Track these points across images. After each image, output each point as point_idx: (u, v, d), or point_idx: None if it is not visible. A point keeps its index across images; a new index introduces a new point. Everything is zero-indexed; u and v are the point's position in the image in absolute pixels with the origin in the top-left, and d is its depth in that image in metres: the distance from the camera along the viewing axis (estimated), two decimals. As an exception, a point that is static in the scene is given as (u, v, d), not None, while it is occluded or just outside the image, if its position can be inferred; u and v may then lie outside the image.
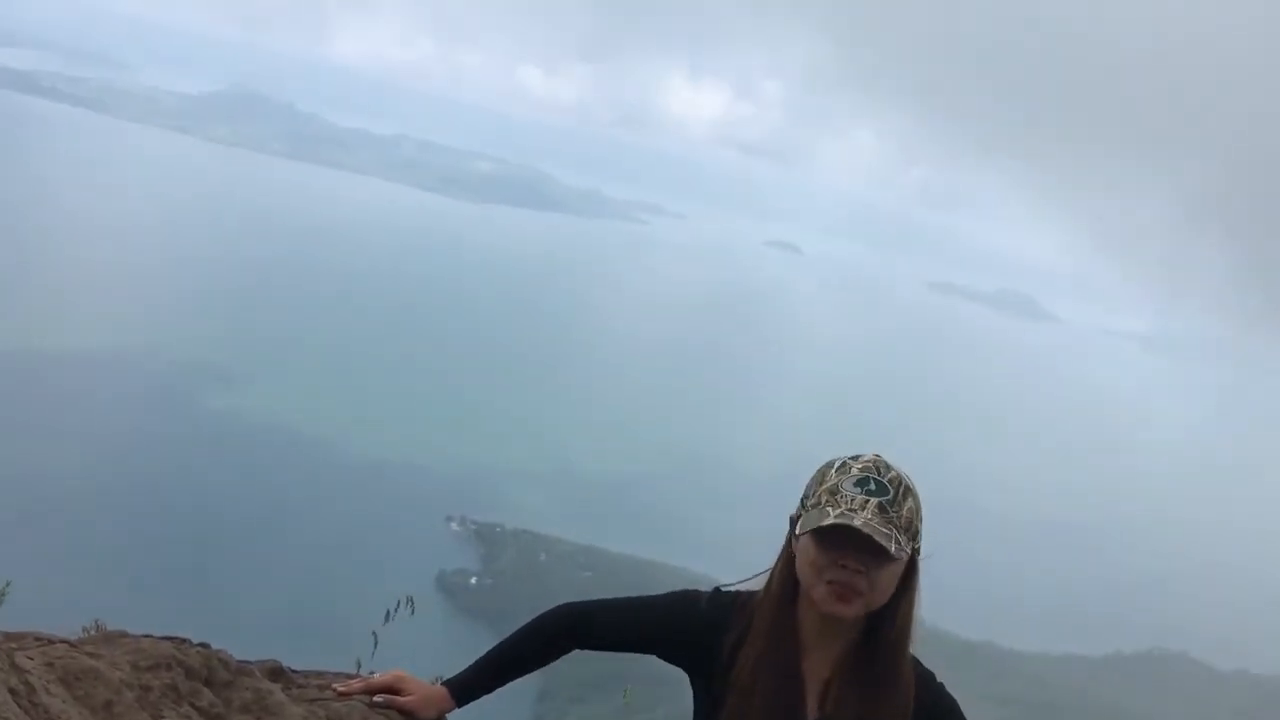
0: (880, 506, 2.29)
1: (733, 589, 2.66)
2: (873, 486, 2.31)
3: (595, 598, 2.88)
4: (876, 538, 2.24)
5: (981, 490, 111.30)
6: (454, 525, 79.40)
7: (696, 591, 2.69)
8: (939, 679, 2.57)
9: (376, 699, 2.77)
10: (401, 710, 2.76)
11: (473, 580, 70.98)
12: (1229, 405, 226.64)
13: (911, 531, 2.32)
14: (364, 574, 63.52)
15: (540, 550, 75.02)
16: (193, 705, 2.36)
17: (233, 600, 58.04)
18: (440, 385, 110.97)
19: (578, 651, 2.90)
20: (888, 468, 2.36)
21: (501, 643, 2.85)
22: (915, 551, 2.36)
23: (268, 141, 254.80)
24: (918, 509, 2.36)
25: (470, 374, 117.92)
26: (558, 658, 2.83)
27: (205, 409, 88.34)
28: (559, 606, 2.84)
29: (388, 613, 5.26)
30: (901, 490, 2.33)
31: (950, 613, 58.54)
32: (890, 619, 2.39)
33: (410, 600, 5.48)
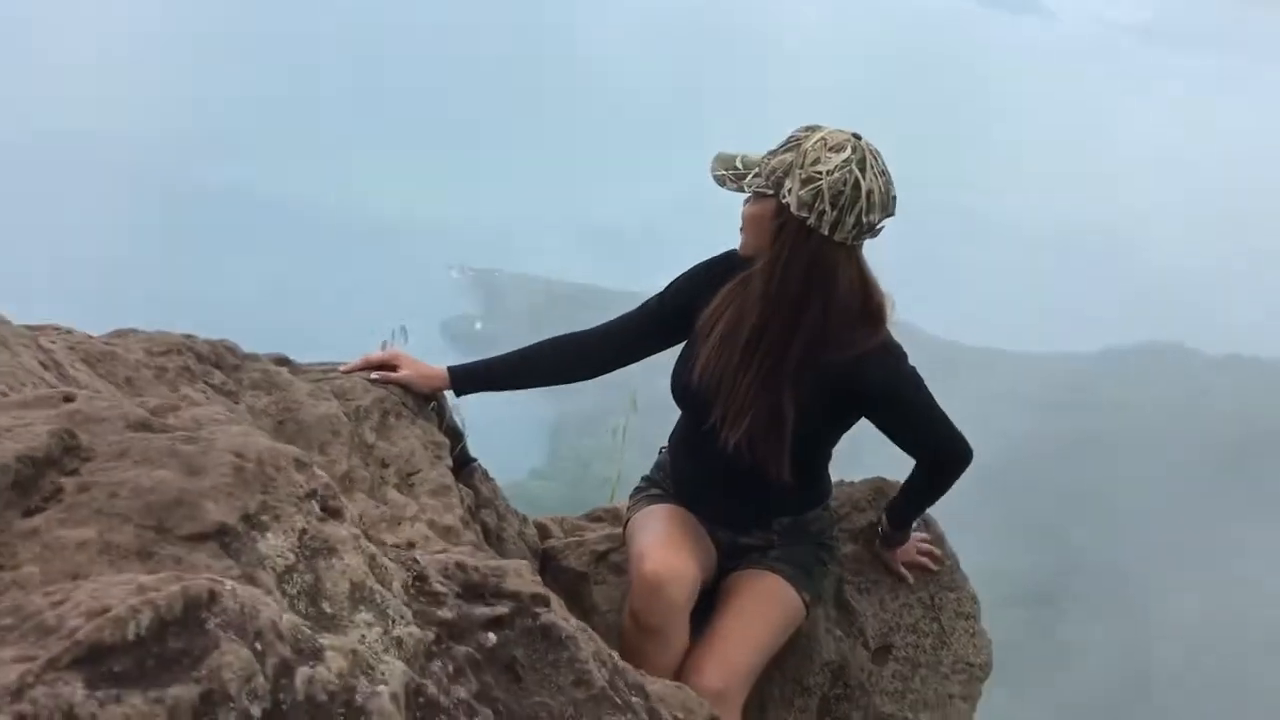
0: (770, 154, 2.54)
1: None
2: (785, 140, 2.57)
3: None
4: (711, 172, 2.58)
5: (964, 190, 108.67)
6: (454, 274, 79.67)
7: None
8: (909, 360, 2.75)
9: (373, 376, 3.00)
10: (396, 384, 2.99)
11: (477, 325, 71.86)
12: (1227, 95, 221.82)
13: (772, 179, 2.50)
14: (368, 326, 63.79)
15: (541, 291, 75.51)
16: (206, 383, 2.62)
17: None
18: (437, 130, 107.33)
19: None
20: (815, 132, 2.52)
21: (516, 351, 3.05)
22: (776, 199, 2.51)
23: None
24: (796, 165, 2.46)
25: (462, 109, 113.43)
26: (566, 381, 3.08)
27: (197, 187, 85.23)
28: (568, 335, 3.05)
29: (384, 344, 5.52)
30: (792, 144, 2.51)
31: (953, 320, 59.72)
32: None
33: (404, 329, 5.71)
